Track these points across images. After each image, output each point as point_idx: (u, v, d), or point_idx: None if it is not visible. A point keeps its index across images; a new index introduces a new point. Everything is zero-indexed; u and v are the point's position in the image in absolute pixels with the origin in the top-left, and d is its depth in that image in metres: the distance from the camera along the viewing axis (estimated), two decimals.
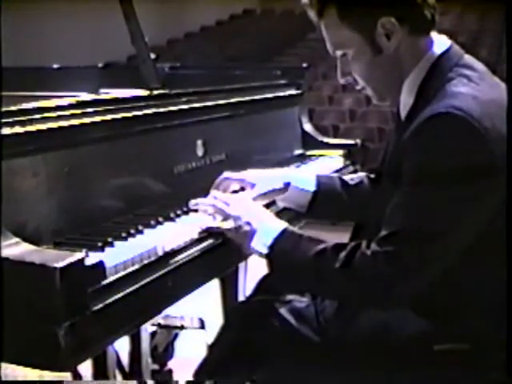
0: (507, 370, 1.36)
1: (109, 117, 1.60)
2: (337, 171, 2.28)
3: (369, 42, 1.45)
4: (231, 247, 1.55)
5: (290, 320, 1.56)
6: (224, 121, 2.05)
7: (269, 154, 2.29)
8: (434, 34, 1.48)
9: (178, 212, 1.65)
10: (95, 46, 8.39)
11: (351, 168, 2.43)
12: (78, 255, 1.18)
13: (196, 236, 1.52)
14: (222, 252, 1.55)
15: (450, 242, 1.35)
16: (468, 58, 1.47)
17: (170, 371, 2.28)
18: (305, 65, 2.73)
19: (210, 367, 1.64)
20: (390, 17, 1.42)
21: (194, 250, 1.49)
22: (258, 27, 12.55)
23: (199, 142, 1.93)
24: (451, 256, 1.36)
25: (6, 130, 1.32)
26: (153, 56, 2.00)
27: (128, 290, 1.27)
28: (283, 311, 1.57)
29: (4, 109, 1.33)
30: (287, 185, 1.75)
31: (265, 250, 1.47)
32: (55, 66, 2.82)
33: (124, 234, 1.45)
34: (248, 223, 1.50)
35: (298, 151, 2.52)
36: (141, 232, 1.50)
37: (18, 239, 1.25)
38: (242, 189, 1.76)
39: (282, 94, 2.50)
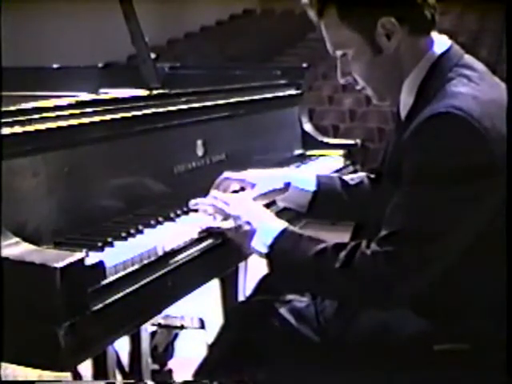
0: (507, 370, 1.36)
1: (109, 117, 1.60)
2: (337, 171, 2.28)
3: (369, 41, 1.45)
4: (231, 247, 1.55)
5: (290, 320, 1.56)
6: (224, 121, 2.05)
7: (269, 154, 2.29)
8: (434, 34, 1.48)
9: (178, 212, 1.65)
10: (95, 45, 8.39)
11: (351, 168, 2.43)
12: (78, 255, 1.18)
13: (196, 236, 1.52)
14: (221, 252, 1.55)
15: (449, 242, 1.35)
16: (468, 58, 1.47)
17: (170, 371, 2.28)
18: (305, 65, 2.73)
19: (210, 367, 1.64)
20: (390, 17, 1.42)
21: (193, 250, 1.49)
22: (258, 27, 12.55)
23: (199, 142, 1.93)
24: (451, 256, 1.36)
25: (6, 130, 1.32)
26: (153, 56, 2.00)
27: (128, 290, 1.27)
28: (283, 311, 1.57)
29: (4, 109, 1.33)
30: (287, 185, 1.75)
31: (265, 250, 1.47)
32: (55, 65, 2.82)
33: (124, 234, 1.45)
34: (248, 223, 1.50)
35: (298, 151, 2.52)
36: (141, 232, 1.50)
37: (17, 239, 1.25)
38: (242, 189, 1.76)
39: (281, 93, 2.50)
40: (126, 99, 1.71)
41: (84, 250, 1.28)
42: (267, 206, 1.72)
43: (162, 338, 2.31)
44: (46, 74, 2.76)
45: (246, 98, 2.21)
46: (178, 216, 1.64)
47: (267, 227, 1.49)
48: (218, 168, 1.85)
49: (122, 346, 1.97)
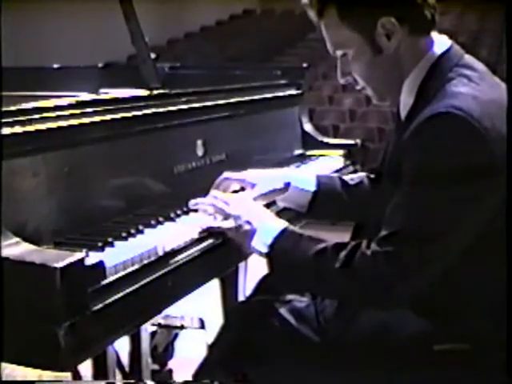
0: (507, 370, 1.36)
1: (109, 117, 1.60)
2: (337, 171, 2.28)
3: (369, 42, 1.45)
4: (231, 247, 1.55)
5: (290, 320, 1.56)
6: (224, 121, 2.05)
7: (269, 154, 2.29)
8: (434, 34, 1.48)
9: (178, 212, 1.65)
10: (95, 45, 8.39)
11: (351, 168, 2.43)
12: (78, 255, 1.18)
13: (196, 236, 1.52)
14: (222, 252, 1.55)
15: (449, 242, 1.35)
16: (468, 58, 1.47)
17: (170, 371, 2.28)
18: (305, 65, 2.73)
19: (210, 367, 1.64)
20: (390, 17, 1.42)
21: (194, 250, 1.49)
22: (258, 27, 12.55)
23: (199, 142, 1.93)
24: (451, 256, 1.36)
25: (6, 130, 1.32)
26: (153, 56, 2.00)
27: (128, 290, 1.27)
28: (283, 311, 1.57)
29: (4, 109, 1.33)
30: (287, 185, 1.75)
31: (265, 249, 1.47)
32: (55, 65, 2.82)
33: (124, 234, 1.45)
34: (248, 222, 1.50)
35: (298, 151, 2.52)
36: (141, 232, 1.50)
37: (18, 239, 1.25)
38: (242, 189, 1.76)
39: (282, 93, 2.50)
40: (126, 99, 1.71)
41: (84, 250, 1.28)
42: (267, 206, 1.72)
43: (162, 338, 2.31)
44: (46, 74, 2.75)
45: (246, 98, 2.21)
46: (178, 216, 1.64)
47: (267, 227, 1.49)
48: (218, 168, 1.85)
49: (122, 346, 1.97)
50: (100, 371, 1.91)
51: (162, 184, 1.78)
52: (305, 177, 1.80)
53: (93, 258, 1.26)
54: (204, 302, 2.36)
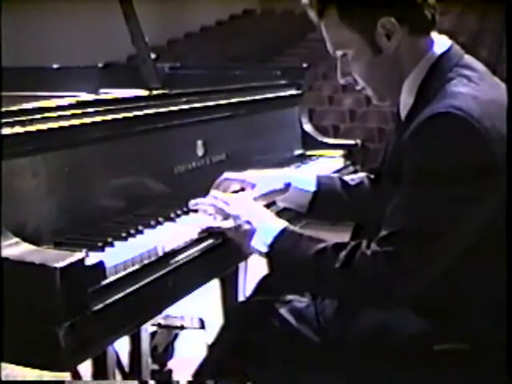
0: (507, 370, 1.36)
1: (109, 117, 1.60)
2: (337, 171, 2.28)
3: (369, 42, 1.45)
4: (231, 247, 1.55)
5: (290, 320, 1.56)
6: (224, 121, 2.05)
7: (269, 155, 2.29)
8: (434, 34, 1.48)
9: (178, 212, 1.65)
10: (95, 46, 8.40)
11: (351, 168, 2.43)
12: (78, 255, 1.18)
13: (196, 236, 1.52)
14: (222, 252, 1.55)
15: (449, 242, 1.35)
16: (468, 59, 1.47)
17: (170, 371, 2.28)
18: (305, 65, 2.73)
19: (210, 367, 1.65)
20: (390, 17, 1.42)
21: (194, 250, 1.49)
22: (258, 27, 12.55)
23: (199, 142, 1.93)
24: (451, 256, 1.36)
25: (6, 130, 1.32)
26: (153, 56, 2.00)
27: (128, 290, 1.27)
28: (283, 311, 1.57)
29: (4, 109, 1.33)
30: (287, 185, 1.75)
31: (265, 249, 1.47)
32: (55, 66, 2.82)
33: (124, 234, 1.45)
34: (248, 222, 1.51)
35: (298, 151, 2.52)
36: (141, 232, 1.50)
37: (17, 239, 1.25)
38: (242, 189, 1.76)
39: (282, 94, 2.50)
40: (126, 99, 1.71)
41: (84, 250, 1.28)
42: (267, 206, 1.72)
43: (162, 338, 2.31)
44: (46, 74, 2.76)
45: (246, 98, 2.21)
46: (178, 216, 1.64)
47: (267, 227, 1.49)
48: (218, 168, 1.85)
49: (122, 346, 1.97)
50: (100, 371, 1.91)
51: (162, 184, 1.78)
52: (305, 177, 1.80)
53: (93, 258, 1.26)
54: (204, 302, 2.36)
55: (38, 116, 1.41)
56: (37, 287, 1.15)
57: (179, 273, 1.42)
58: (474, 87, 1.37)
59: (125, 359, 2.09)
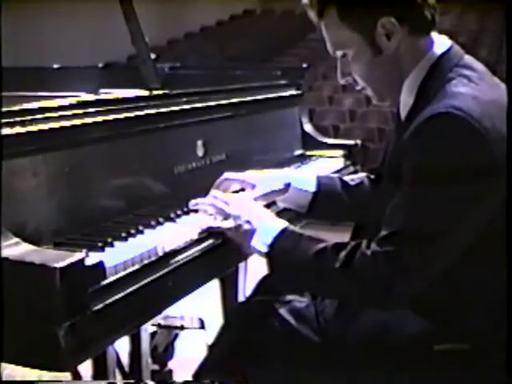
0: (507, 370, 1.36)
1: (109, 117, 1.60)
2: (337, 171, 2.28)
3: (369, 42, 1.45)
4: (231, 247, 1.55)
5: (289, 320, 1.56)
6: (224, 121, 2.05)
7: (269, 155, 2.29)
8: (434, 35, 1.48)
9: (179, 212, 1.65)
10: (95, 46, 8.40)
11: (351, 168, 2.43)
12: (78, 255, 1.18)
13: (196, 236, 1.52)
14: (222, 252, 1.55)
15: (450, 242, 1.35)
16: (468, 59, 1.47)
17: (170, 371, 2.28)
18: (305, 65, 2.73)
19: (210, 367, 1.64)
20: (390, 17, 1.42)
21: (194, 251, 1.49)
22: (258, 27, 12.55)
23: (199, 142, 1.93)
24: (451, 256, 1.36)
25: (6, 130, 1.32)
26: (153, 56, 2.00)
27: (128, 290, 1.27)
28: (283, 311, 1.57)
29: (4, 109, 1.33)
30: (287, 185, 1.75)
31: (265, 249, 1.47)
32: (55, 66, 2.82)
33: (124, 234, 1.45)
34: (248, 222, 1.50)
35: (299, 151, 2.52)
36: (141, 232, 1.50)
37: (17, 239, 1.25)
38: (242, 189, 1.76)
39: (282, 94, 2.50)
40: (125, 99, 1.71)
41: (84, 250, 1.28)
42: (267, 206, 1.72)
43: (162, 339, 2.31)
44: (46, 74, 2.76)
45: (246, 99, 2.21)
46: (179, 216, 1.64)
47: (267, 226, 1.49)
48: (218, 168, 1.85)
49: (122, 346, 1.97)
50: (100, 371, 1.91)
51: (162, 184, 1.78)
52: (305, 177, 1.80)
53: (93, 258, 1.26)
54: (204, 301, 2.36)
55: (38, 116, 1.41)
56: (37, 287, 1.15)
57: (179, 273, 1.42)
58: (474, 87, 1.37)
59: (125, 359, 2.09)
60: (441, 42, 1.48)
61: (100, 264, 1.24)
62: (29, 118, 1.38)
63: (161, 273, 1.37)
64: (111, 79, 2.49)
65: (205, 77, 2.71)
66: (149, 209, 1.68)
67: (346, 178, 1.84)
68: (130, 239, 1.45)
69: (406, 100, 1.48)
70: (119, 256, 1.32)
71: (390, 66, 1.47)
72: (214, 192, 1.68)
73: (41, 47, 7.56)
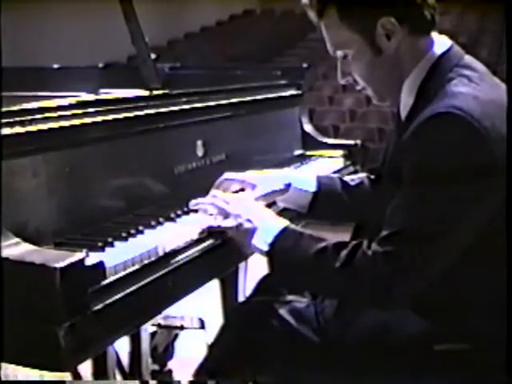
0: (507, 370, 1.36)
1: (109, 117, 1.60)
2: (337, 171, 2.28)
3: (369, 42, 1.45)
4: (232, 247, 1.55)
5: (289, 320, 1.56)
6: (224, 121, 2.05)
7: (269, 155, 2.29)
8: (434, 35, 1.48)
9: (179, 212, 1.65)
10: (95, 46, 8.40)
11: (351, 168, 2.42)
12: (78, 255, 1.18)
13: (196, 236, 1.52)
14: (222, 252, 1.55)
15: (450, 242, 1.35)
16: (468, 59, 1.47)
17: (170, 371, 2.28)
18: (305, 65, 2.73)
19: (210, 367, 1.64)
20: (389, 17, 1.42)
21: (194, 251, 1.49)
22: (258, 27, 12.56)
23: (199, 143, 1.93)
24: (451, 256, 1.36)
25: (6, 130, 1.32)
26: (153, 56, 2.00)
27: (128, 290, 1.27)
28: (283, 312, 1.57)
29: (4, 109, 1.33)
30: (288, 186, 1.75)
31: (265, 248, 1.46)
32: (55, 66, 2.82)
33: (124, 234, 1.45)
34: (249, 221, 1.50)
35: (299, 151, 2.52)
36: (141, 232, 1.50)
37: (18, 239, 1.25)
38: (243, 189, 1.76)
39: (282, 94, 2.50)
40: (125, 99, 1.71)
41: (84, 250, 1.27)
42: (268, 206, 1.72)
43: (162, 339, 2.31)
44: (46, 74, 2.75)
45: (246, 99, 2.21)
46: (179, 216, 1.64)
47: (268, 225, 1.49)
48: (218, 168, 1.86)
49: (121, 346, 1.97)
50: (100, 371, 1.91)
51: (162, 184, 1.78)
52: (305, 177, 1.80)
53: (93, 258, 1.25)
54: (204, 302, 2.36)
55: (38, 116, 1.41)
56: (37, 287, 1.15)
57: (179, 273, 1.42)
58: (474, 87, 1.37)
59: (125, 359, 2.09)
60: (441, 42, 1.48)
61: (100, 264, 1.24)
62: (29, 117, 1.38)
63: (161, 273, 1.36)
64: (111, 79, 2.49)
65: (205, 77, 2.71)
66: (149, 209, 1.68)
67: (346, 178, 1.84)
68: (130, 239, 1.45)
69: (406, 100, 1.48)
70: (119, 256, 1.32)
71: (390, 66, 1.47)
72: (214, 192, 1.68)
73: (41, 47, 7.57)
